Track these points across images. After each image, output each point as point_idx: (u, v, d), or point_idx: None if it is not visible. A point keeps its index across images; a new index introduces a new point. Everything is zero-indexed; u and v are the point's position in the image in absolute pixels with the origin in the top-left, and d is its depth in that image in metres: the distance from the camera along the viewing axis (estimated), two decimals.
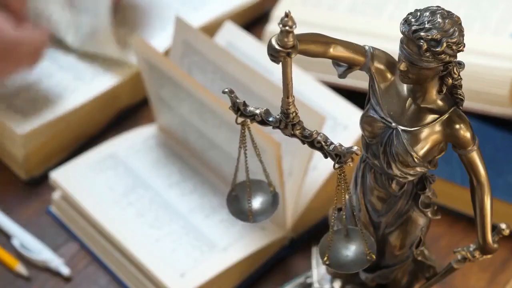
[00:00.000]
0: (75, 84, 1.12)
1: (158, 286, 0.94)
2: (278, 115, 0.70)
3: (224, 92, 0.71)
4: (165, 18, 1.19)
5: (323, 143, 0.70)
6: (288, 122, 0.70)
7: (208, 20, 1.19)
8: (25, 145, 1.06)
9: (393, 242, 0.80)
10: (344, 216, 0.74)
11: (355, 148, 0.68)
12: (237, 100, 0.71)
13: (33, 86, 1.11)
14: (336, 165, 0.69)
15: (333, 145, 0.69)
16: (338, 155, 0.69)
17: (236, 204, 0.79)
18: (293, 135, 0.71)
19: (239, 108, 0.71)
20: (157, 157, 1.06)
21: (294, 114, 0.69)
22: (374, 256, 0.73)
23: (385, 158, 0.73)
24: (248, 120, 0.72)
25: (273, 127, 0.71)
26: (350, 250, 0.74)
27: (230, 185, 0.79)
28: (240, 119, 0.72)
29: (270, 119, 0.71)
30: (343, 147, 0.68)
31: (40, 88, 1.11)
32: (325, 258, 0.74)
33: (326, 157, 0.70)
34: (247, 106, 0.71)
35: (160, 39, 1.16)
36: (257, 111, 0.71)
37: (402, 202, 0.77)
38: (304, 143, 0.71)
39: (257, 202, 0.79)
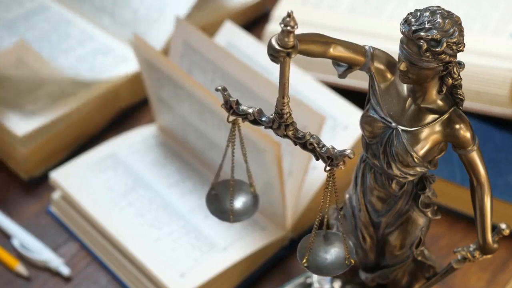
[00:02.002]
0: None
1: (158, 286, 0.94)
2: (271, 115, 0.70)
3: (217, 90, 0.70)
4: (164, 16, 1.19)
5: (316, 145, 0.69)
6: (281, 122, 0.69)
7: (209, 20, 1.20)
8: (25, 145, 1.06)
9: (393, 242, 0.80)
10: (334, 216, 0.74)
11: (348, 151, 0.67)
12: (230, 98, 0.71)
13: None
14: (327, 168, 0.69)
15: (325, 148, 0.69)
16: (330, 158, 0.68)
17: (217, 203, 0.78)
18: (286, 136, 0.70)
19: (231, 106, 0.71)
20: (157, 157, 1.06)
21: (288, 114, 0.69)
22: (353, 261, 0.73)
23: (385, 158, 0.73)
24: (240, 119, 0.72)
25: (265, 127, 0.71)
26: (330, 254, 0.74)
27: (211, 183, 0.79)
28: (231, 118, 0.72)
29: (263, 118, 0.71)
30: (335, 150, 0.68)
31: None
32: (304, 260, 0.73)
33: (317, 159, 0.70)
34: (240, 104, 0.71)
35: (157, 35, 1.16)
36: (250, 110, 0.71)
37: (402, 202, 0.77)
38: (296, 145, 0.71)
39: (238, 202, 0.78)
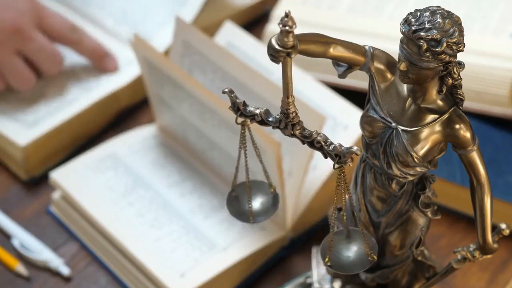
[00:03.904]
0: (76, 91, 1.12)
1: (158, 286, 0.94)
2: (278, 115, 0.70)
3: (224, 92, 0.71)
4: (164, 15, 1.19)
5: (323, 143, 0.70)
6: (288, 122, 0.70)
7: (209, 20, 1.20)
8: (25, 147, 1.06)
9: (393, 242, 0.80)
10: (344, 216, 0.74)
11: (355, 148, 0.68)
12: (237, 100, 0.71)
13: (34, 92, 1.11)
14: (336, 165, 0.69)
15: (333, 145, 0.69)
16: (338, 155, 0.69)
17: (236, 204, 0.79)
18: (293, 135, 0.71)
19: (239, 108, 0.71)
20: (157, 157, 1.06)
21: (294, 114, 0.69)
22: (375, 257, 0.73)
23: (385, 158, 0.73)
24: (248, 120, 0.72)
25: (273, 127, 0.71)
26: (351, 251, 0.74)
27: (231, 186, 0.79)
28: (240, 119, 0.72)
29: (270, 119, 0.71)
30: (343, 147, 0.68)
31: (40, 96, 1.11)
32: (326, 260, 0.74)
33: (326, 157, 0.70)
34: (247, 106, 0.71)
35: (162, 33, 1.16)
36: (257, 111, 0.71)
37: (402, 202, 0.77)
38: (304, 143, 0.71)
39: (257, 203, 0.79)
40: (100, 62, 1.13)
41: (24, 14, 1.06)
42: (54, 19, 1.10)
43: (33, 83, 1.09)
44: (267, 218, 0.79)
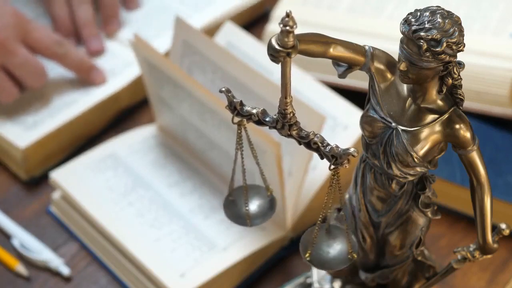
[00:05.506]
0: (75, 92, 1.12)
1: (158, 286, 0.94)
2: (275, 115, 0.70)
3: (221, 91, 0.70)
4: (166, 19, 1.19)
5: (320, 144, 0.69)
6: (285, 122, 0.70)
7: (208, 21, 1.19)
8: (25, 149, 1.06)
9: (393, 242, 0.80)
10: (334, 215, 0.74)
11: (352, 149, 0.68)
12: (234, 100, 0.71)
13: (34, 94, 1.11)
14: (332, 166, 0.69)
15: (329, 146, 0.69)
16: (335, 157, 0.69)
17: (233, 208, 0.78)
18: (290, 136, 0.70)
19: (235, 108, 0.71)
20: (157, 157, 1.06)
21: (291, 114, 0.69)
22: (355, 256, 0.73)
23: (385, 158, 0.73)
24: (245, 120, 0.72)
25: (270, 127, 0.71)
26: (333, 248, 0.74)
27: (228, 189, 0.79)
28: (236, 119, 0.72)
29: (267, 119, 0.71)
30: (339, 149, 0.68)
31: (40, 97, 1.11)
32: (307, 254, 0.73)
33: (322, 158, 0.70)
34: (243, 105, 0.71)
35: (162, 39, 1.16)
36: (254, 111, 0.71)
37: (402, 202, 0.77)
38: (300, 144, 0.71)
39: (254, 206, 0.78)
40: (87, 76, 1.12)
41: (8, 28, 1.06)
42: (39, 33, 1.09)
43: (15, 96, 1.09)
44: (264, 221, 0.79)
